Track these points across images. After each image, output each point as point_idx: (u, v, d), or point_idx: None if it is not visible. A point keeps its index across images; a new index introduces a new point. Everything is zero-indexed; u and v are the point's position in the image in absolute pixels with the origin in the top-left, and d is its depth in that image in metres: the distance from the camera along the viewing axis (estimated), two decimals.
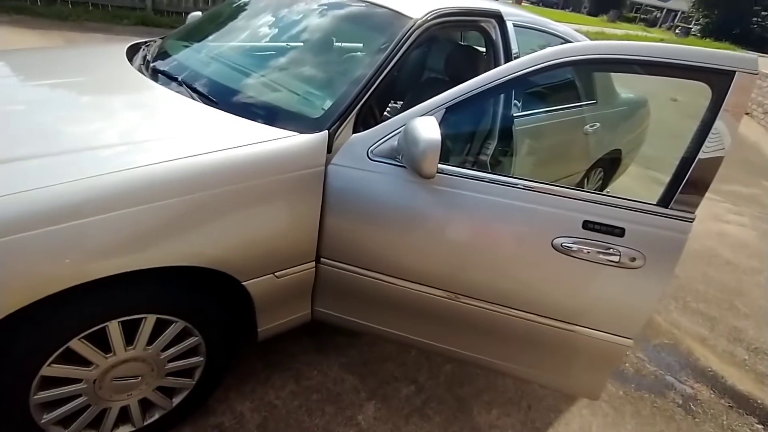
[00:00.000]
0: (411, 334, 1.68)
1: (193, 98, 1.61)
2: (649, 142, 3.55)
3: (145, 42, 2.18)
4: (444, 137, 1.39)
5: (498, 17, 2.12)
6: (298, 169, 1.43)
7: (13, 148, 1.20)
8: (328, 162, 1.49)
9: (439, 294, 1.53)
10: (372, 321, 1.69)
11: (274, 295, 1.51)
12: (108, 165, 1.17)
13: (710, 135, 1.30)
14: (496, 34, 2.11)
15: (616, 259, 1.33)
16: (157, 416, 1.47)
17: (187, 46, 2.03)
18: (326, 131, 1.49)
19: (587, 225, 1.35)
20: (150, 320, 1.28)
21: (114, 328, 1.23)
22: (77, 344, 1.18)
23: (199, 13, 2.50)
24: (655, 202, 1.35)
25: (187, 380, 1.49)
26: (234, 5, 2.29)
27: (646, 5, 43.90)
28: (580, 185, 2.99)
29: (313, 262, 1.55)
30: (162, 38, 2.23)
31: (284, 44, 1.91)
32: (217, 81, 1.73)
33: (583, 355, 1.49)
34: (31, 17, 6.32)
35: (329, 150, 1.50)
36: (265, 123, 1.50)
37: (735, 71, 1.31)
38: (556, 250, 1.36)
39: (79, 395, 1.26)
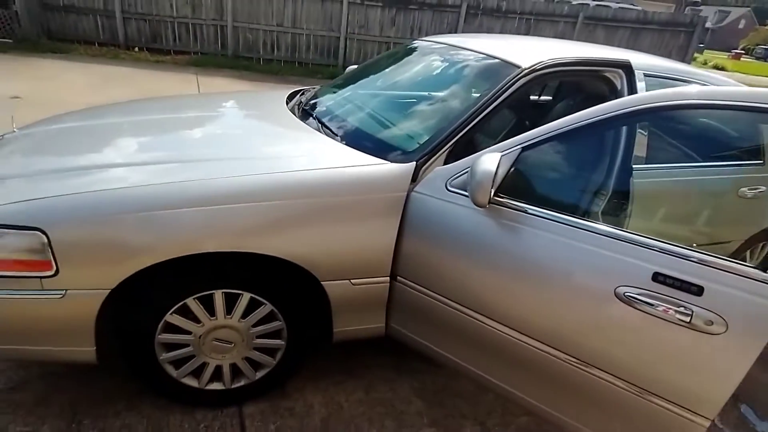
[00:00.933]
0: (478, 369, 1.68)
1: (320, 131, 1.96)
2: None
3: (302, 89, 2.70)
4: (521, 174, 1.47)
5: (626, 68, 2.07)
6: (382, 192, 1.63)
7: (194, 152, 1.75)
8: (411, 189, 1.66)
9: (505, 331, 1.52)
10: (441, 348, 1.75)
11: (349, 300, 1.70)
12: (244, 170, 1.57)
13: None
14: (621, 84, 2.06)
15: (686, 318, 1.18)
16: (242, 383, 1.77)
17: (331, 93, 2.46)
18: (414, 162, 1.68)
19: (658, 277, 1.23)
20: (245, 297, 1.60)
21: (218, 296, 1.57)
22: (191, 302, 1.55)
23: (354, 67, 2.98)
24: (754, 265, 1.17)
25: (270, 359, 1.76)
26: (372, 64, 2.69)
27: None
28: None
29: (388, 278, 1.70)
30: (320, 87, 2.73)
31: (399, 91, 2.19)
32: (338, 118, 2.08)
33: (654, 426, 1.31)
34: (253, 72, 8.09)
35: (414, 179, 1.67)
36: (366, 152, 1.75)
37: None
38: (618, 299, 1.27)
39: (188, 345, 1.62)
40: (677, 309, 1.20)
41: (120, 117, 2.25)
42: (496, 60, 2.01)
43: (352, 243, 1.63)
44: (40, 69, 6.61)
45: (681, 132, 1.98)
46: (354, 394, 1.93)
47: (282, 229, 1.54)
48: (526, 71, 1.85)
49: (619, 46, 8.83)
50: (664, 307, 1.22)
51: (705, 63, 23.81)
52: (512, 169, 1.49)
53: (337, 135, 1.92)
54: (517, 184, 1.50)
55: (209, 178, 1.52)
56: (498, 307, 1.52)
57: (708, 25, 48.02)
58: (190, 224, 1.45)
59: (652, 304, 1.23)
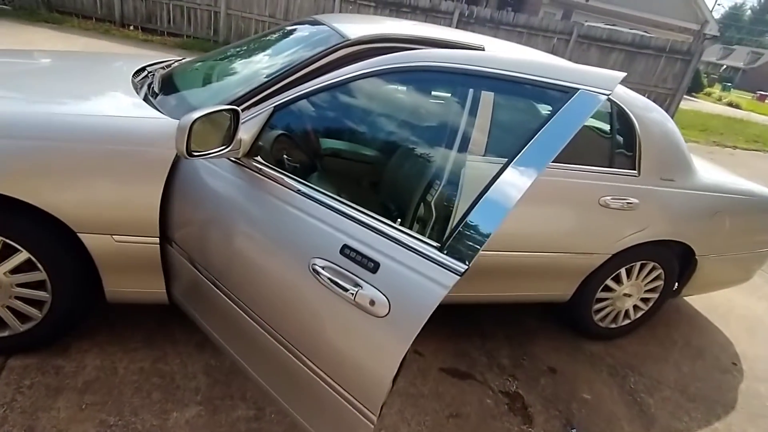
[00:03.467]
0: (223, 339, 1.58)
1: (136, 90, 1.91)
2: None
3: (174, 60, 2.64)
4: (271, 135, 1.39)
5: (480, 51, 1.96)
6: (149, 146, 1.55)
7: None
8: None
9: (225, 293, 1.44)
10: (207, 323, 1.65)
11: (116, 258, 1.61)
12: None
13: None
14: None
15: (350, 296, 1.05)
16: (6, 333, 1.69)
17: (187, 63, 2.40)
18: None
19: (344, 250, 1.11)
20: None
21: None
22: None
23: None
24: (437, 245, 1.05)
25: (35, 311, 1.68)
26: (248, 39, 2.60)
27: None
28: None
29: (157, 239, 1.61)
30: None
31: (240, 60, 2.16)
32: (160, 81, 2.02)
33: (336, 411, 1.18)
34: None
35: None
36: (158, 110, 1.68)
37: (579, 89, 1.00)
38: (309, 271, 1.15)
39: None
40: (354, 286, 1.08)
41: None
42: (332, 32, 1.93)
43: (111, 196, 1.54)
44: (21, 35, 6.76)
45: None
46: (139, 363, 1.83)
47: (28, 170, 1.46)
48: (351, 42, 1.80)
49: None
50: (337, 281, 1.10)
51: (719, 99, 23.21)
52: (265, 130, 1.40)
53: (149, 95, 1.86)
54: (266, 145, 1.41)
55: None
56: (217, 268, 1.43)
57: (740, 65, 46.73)
58: None
59: (328, 278, 1.11)
